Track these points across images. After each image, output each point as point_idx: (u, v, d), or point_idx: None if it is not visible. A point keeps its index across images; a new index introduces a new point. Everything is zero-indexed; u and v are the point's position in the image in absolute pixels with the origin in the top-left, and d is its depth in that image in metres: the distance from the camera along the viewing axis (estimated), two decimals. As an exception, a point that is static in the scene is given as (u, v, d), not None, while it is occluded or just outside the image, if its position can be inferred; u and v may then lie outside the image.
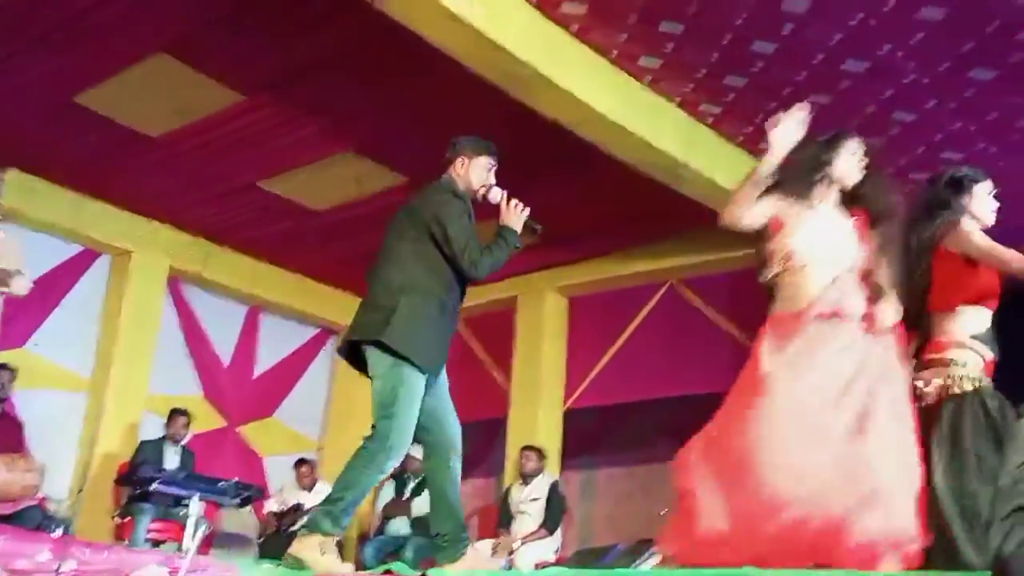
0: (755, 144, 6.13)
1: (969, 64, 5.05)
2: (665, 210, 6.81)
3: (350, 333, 3.92)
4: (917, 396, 3.31)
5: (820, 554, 2.77)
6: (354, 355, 3.90)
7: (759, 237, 3.45)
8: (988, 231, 3.57)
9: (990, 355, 3.45)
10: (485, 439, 8.55)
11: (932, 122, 5.66)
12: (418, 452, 7.61)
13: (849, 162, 3.47)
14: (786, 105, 5.60)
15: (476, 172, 4.09)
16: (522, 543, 6.93)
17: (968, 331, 3.41)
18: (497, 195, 4.07)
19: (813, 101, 5.50)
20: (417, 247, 3.89)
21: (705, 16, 4.84)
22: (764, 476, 2.84)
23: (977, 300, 3.45)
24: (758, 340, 3.18)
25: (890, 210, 3.45)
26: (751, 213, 3.34)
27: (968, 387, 3.27)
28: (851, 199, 3.44)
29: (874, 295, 3.24)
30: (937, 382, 3.33)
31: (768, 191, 3.35)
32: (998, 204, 3.69)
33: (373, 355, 3.77)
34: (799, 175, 3.40)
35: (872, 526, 2.74)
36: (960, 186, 3.65)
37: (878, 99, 5.47)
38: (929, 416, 3.27)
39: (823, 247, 3.27)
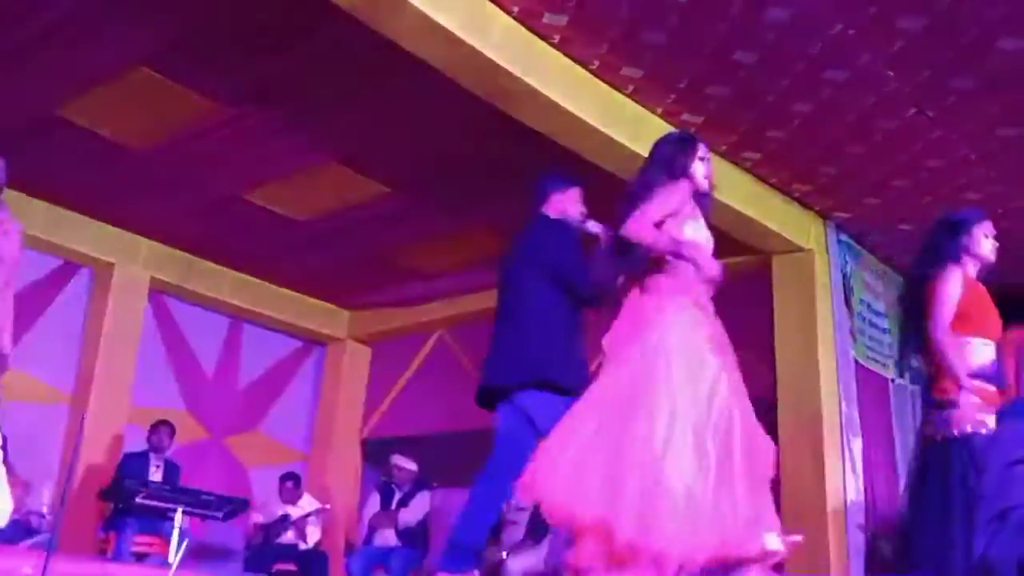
0: (737, 153, 6.16)
1: (949, 73, 5.08)
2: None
3: (496, 378, 4.12)
4: (926, 435, 3.53)
5: None
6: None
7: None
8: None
9: (991, 388, 3.57)
10: (472, 448, 8.51)
11: (913, 130, 5.70)
12: (407, 463, 7.67)
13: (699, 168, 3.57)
14: (768, 114, 5.70)
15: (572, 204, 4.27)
16: (509, 553, 6.91)
17: (966, 368, 3.58)
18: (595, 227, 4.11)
19: (796, 111, 5.58)
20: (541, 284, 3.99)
21: (686, 27, 4.86)
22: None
23: (974, 333, 3.65)
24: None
25: None
26: None
27: (956, 433, 3.43)
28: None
29: None
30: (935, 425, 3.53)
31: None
32: (997, 244, 3.87)
33: (536, 396, 3.86)
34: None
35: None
36: (956, 229, 3.85)
37: (859, 107, 5.50)
38: (934, 453, 3.46)
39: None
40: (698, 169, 3.52)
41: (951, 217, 3.94)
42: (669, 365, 3.07)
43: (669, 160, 3.46)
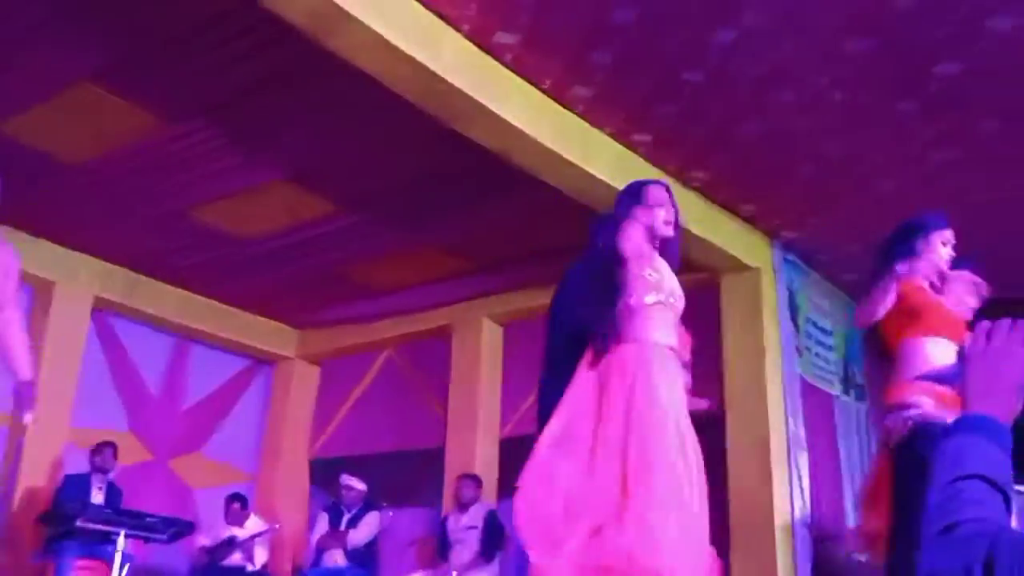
0: (685, 172, 6.22)
1: (893, 95, 5.19)
2: (599, 237, 6.85)
3: None
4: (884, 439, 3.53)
5: None
6: None
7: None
8: None
9: (942, 388, 3.57)
10: (422, 468, 8.48)
11: (859, 150, 5.80)
12: (355, 483, 7.60)
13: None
14: (716, 134, 5.76)
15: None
16: (459, 573, 6.87)
17: (917, 369, 3.55)
18: None
19: (743, 131, 5.65)
20: None
21: (635, 47, 4.91)
22: None
23: (924, 334, 3.62)
24: None
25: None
26: None
27: (905, 431, 3.44)
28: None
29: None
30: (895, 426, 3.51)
31: None
32: (953, 254, 3.90)
33: None
34: None
35: None
36: (912, 232, 3.83)
37: (806, 128, 5.59)
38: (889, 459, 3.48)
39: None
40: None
41: (911, 220, 3.92)
42: None
43: None
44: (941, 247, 3.87)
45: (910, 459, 3.33)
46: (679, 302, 3.47)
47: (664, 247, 3.56)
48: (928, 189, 6.09)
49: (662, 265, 3.50)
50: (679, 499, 2.99)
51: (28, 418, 3.92)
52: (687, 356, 3.51)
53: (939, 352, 3.61)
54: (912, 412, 3.44)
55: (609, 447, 3.06)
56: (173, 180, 6.61)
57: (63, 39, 5.16)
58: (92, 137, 6.12)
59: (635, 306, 3.31)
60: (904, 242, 3.79)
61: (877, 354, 3.82)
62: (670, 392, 3.21)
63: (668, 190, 3.62)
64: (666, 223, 3.53)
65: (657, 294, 3.36)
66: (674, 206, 3.59)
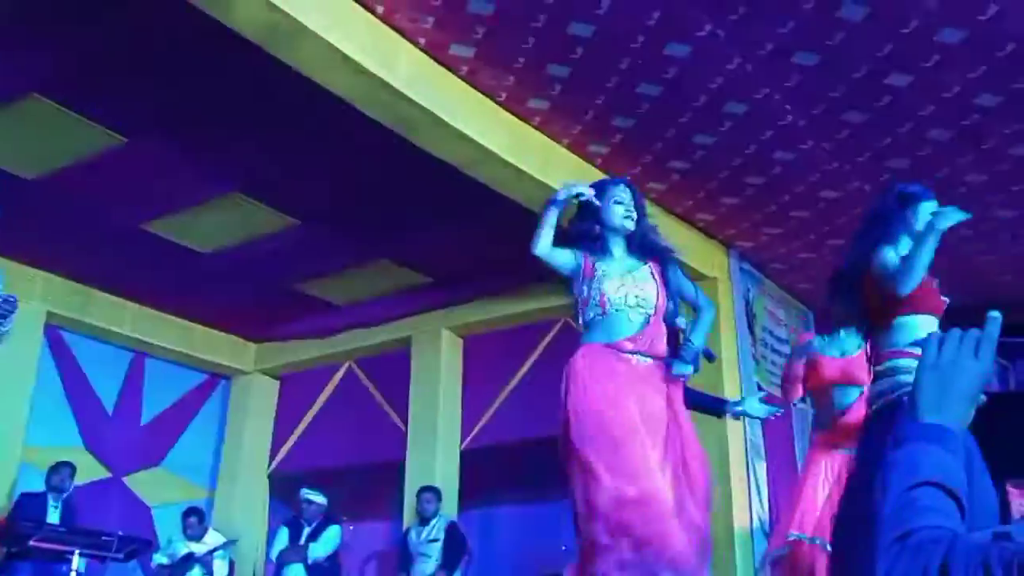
0: (643, 184, 6.27)
1: (842, 107, 5.29)
2: (557, 248, 6.88)
3: None
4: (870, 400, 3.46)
5: None
6: None
7: None
8: None
9: None
10: (382, 481, 8.44)
11: (810, 162, 5.89)
12: (316, 497, 7.54)
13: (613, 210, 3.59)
14: (671, 145, 5.83)
15: None
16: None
17: (907, 339, 3.42)
18: None
19: (698, 143, 5.72)
20: None
21: (590, 60, 4.95)
22: None
23: (913, 311, 3.53)
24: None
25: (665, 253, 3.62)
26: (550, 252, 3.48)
27: (893, 396, 3.35)
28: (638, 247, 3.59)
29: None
30: (878, 392, 3.40)
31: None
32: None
33: None
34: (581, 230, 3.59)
35: None
36: (905, 201, 3.70)
37: (758, 139, 5.67)
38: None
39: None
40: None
41: (904, 189, 3.85)
42: None
43: None
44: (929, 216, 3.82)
45: (885, 432, 3.19)
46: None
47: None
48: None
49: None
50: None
51: None
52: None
53: (928, 327, 3.56)
54: (904, 378, 3.29)
55: None
56: (126, 194, 6.53)
57: (8, 51, 5.09)
58: (42, 150, 6.04)
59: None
60: (903, 212, 3.67)
61: (863, 329, 3.71)
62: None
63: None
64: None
65: None
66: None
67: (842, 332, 4.59)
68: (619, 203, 3.57)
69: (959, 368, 1.20)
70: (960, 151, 5.69)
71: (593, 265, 3.48)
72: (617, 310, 3.41)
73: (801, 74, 4.98)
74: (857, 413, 4.26)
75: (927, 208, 3.65)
